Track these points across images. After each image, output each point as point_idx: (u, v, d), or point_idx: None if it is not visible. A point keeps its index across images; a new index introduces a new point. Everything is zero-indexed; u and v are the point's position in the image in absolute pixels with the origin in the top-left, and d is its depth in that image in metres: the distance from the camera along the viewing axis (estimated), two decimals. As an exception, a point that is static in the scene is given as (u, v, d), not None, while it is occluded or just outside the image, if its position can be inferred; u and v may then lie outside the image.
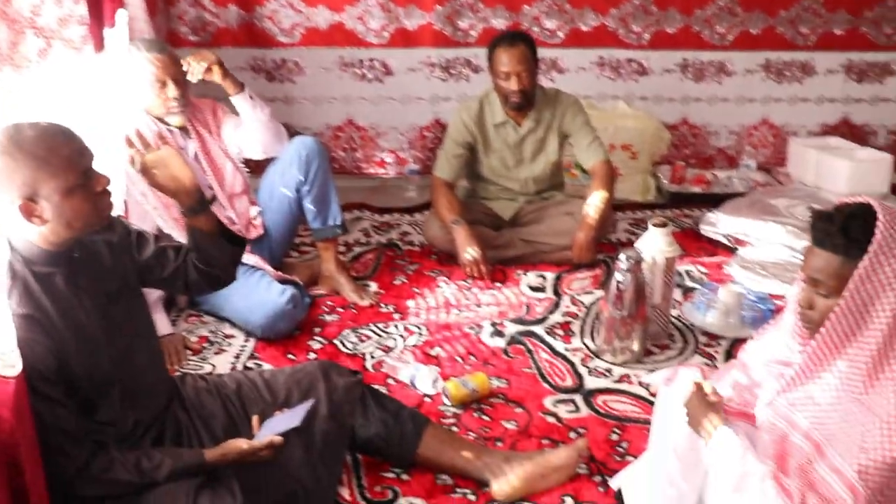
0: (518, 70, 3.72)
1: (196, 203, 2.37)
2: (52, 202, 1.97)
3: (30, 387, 1.99)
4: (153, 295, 3.29)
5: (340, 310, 3.58)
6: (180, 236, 3.31)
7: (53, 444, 2.05)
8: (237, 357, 3.22)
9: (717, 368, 2.59)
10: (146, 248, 2.40)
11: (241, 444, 2.22)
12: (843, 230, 1.93)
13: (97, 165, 2.10)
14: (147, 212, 3.26)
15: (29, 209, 1.96)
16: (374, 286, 3.76)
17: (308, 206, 3.56)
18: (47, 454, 2.05)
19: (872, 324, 1.91)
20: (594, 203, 3.84)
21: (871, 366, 1.93)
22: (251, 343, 3.31)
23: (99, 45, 2.77)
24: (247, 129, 3.51)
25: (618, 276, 3.09)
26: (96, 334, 2.16)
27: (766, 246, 3.95)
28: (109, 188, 2.10)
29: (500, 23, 4.68)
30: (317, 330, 3.41)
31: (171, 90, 3.25)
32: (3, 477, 1.90)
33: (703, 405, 2.16)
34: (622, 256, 3.09)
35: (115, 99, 2.98)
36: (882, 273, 1.88)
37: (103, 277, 2.26)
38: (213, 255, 2.43)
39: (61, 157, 1.97)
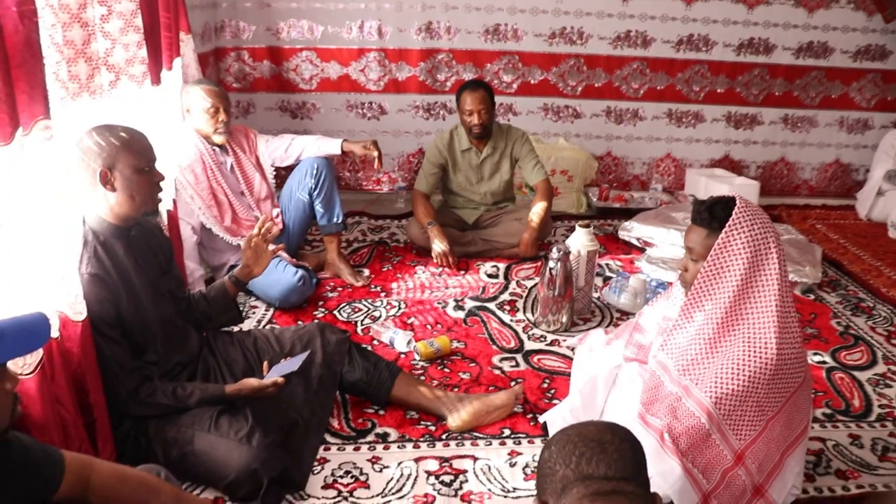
0: (479, 108, 3.74)
1: (244, 281, 2.54)
2: (124, 175, 2.04)
3: (94, 329, 2.02)
4: (197, 273, 3.30)
5: (340, 289, 3.58)
6: (219, 230, 3.33)
7: (110, 373, 2.08)
8: (259, 322, 3.22)
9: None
10: (174, 260, 2.47)
11: (253, 382, 2.23)
12: (709, 209, 1.98)
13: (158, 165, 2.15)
14: (193, 210, 3.27)
15: (106, 176, 2.02)
16: (367, 272, 3.76)
17: (318, 207, 3.57)
18: (107, 382, 2.07)
19: (724, 284, 1.95)
20: (536, 211, 3.86)
21: (724, 319, 1.96)
22: (270, 312, 3.31)
23: (156, 80, 2.77)
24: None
25: (551, 263, 3.11)
26: (144, 294, 2.18)
27: (667, 247, 3.98)
28: (162, 184, 2.15)
29: (469, 76, 4.69)
30: (321, 303, 3.42)
31: (222, 115, 3.28)
32: (73, 396, 1.92)
33: None
34: (554, 249, 3.11)
35: (167, 121, 2.99)
36: (734, 244, 1.92)
37: (154, 254, 2.28)
38: (222, 309, 2.53)
39: (140, 144, 2.09)
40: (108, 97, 2.43)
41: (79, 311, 1.94)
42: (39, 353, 1.75)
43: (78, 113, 2.23)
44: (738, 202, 1.94)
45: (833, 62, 4.93)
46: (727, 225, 1.93)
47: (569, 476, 1.14)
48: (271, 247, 2.58)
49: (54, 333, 1.84)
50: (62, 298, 1.90)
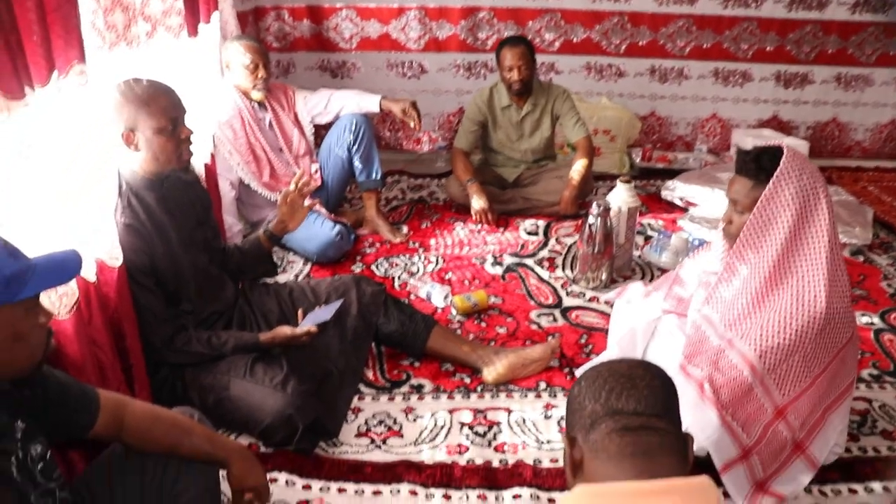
0: (519, 64, 3.67)
1: (279, 236, 2.52)
2: (145, 136, 2.01)
3: (130, 277, 2.03)
4: (236, 227, 3.31)
5: (378, 245, 3.56)
6: (257, 186, 3.34)
7: (147, 321, 2.09)
8: (297, 276, 3.22)
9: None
10: (211, 211, 2.45)
11: (286, 330, 2.24)
12: (755, 159, 1.90)
13: (188, 120, 2.13)
14: (232, 166, 3.27)
15: (129, 138, 2.00)
16: (405, 228, 3.73)
17: (356, 163, 3.55)
18: (143, 330, 2.08)
19: (771, 237, 1.88)
20: (577, 169, 3.78)
21: (771, 272, 1.89)
22: (308, 267, 3.32)
23: (193, 32, 2.75)
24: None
25: (590, 219, 3.04)
26: (179, 245, 2.18)
27: (710, 206, 3.87)
28: (192, 139, 2.13)
29: (510, 34, 4.59)
30: (358, 258, 3.41)
31: (261, 72, 3.27)
32: (111, 339, 1.94)
33: None
34: (594, 205, 3.04)
35: (205, 74, 2.97)
36: (782, 195, 1.85)
37: (189, 207, 2.28)
38: (256, 261, 2.54)
39: (159, 104, 2.02)
40: (146, 47, 2.41)
41: (115, 257, 1.95)
42: (75, 294, 1.76)
43: (115, 62, 2.22)
44: (785, 151, 1.86)
45: (892, 17, 4.70)
46: (775, 175, 1.85)
47: (598, 411, 1.11)
48: (307, 202, 2.56)
49: (91, 278, 1.85)
50: (99, 244, 1.90)
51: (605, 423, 1.10)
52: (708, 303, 2.02)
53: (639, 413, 1.09)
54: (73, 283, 1.75)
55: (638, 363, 1.16)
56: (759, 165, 1.90)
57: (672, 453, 1.08)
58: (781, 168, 1.83)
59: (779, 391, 1.88)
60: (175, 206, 2.20)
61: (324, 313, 2.30)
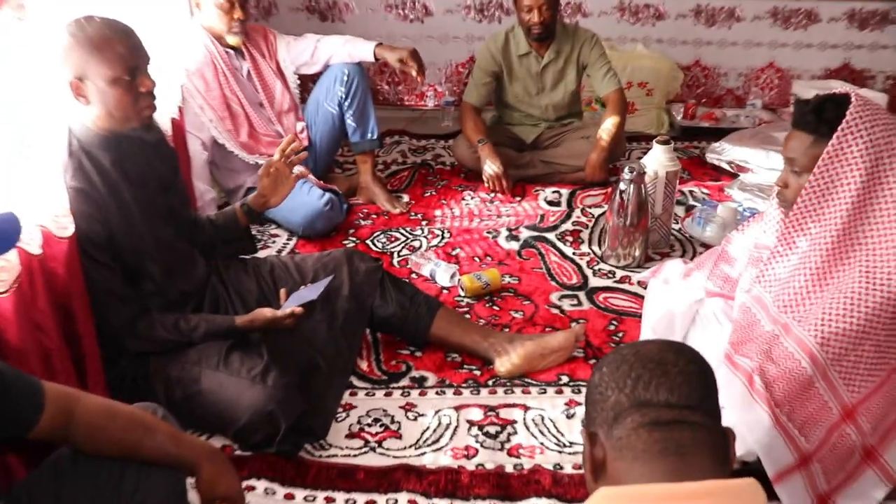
0: (539, 4, 3.62)
1: (259, 212, 2.52)
2: (97, 86, 1.99)
3: (82, 251, 2.02)
4: (208, 195, 3.30)
5: (374, 216, 3.56)
6: (233, 146, 3.32)
7: (102, 302, 2.09)
8: (279, 252, 3.22)
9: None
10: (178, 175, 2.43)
11: (267, 312, 2.23)
12: (815, 110, 1.86)
13: (150, 69, 2.09)
14: (203, 123, 3.25)
15: (77, 88, 1.98)
16: (406, 197, 3.72)
17: (349, 121, 3.53)
18: (98, 312, 2.08)
19: (835, 202, 1.84)
20: (607, 127, 3.75)
21: (834, 245, 1.86)
22: (293, 241, 3.32)
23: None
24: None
25: (622, 185, 3.01)
26: (139, 215, 2.16)
27: (765, 172, 3.83)
28: (154, 92, 2.09)
29: (530, -32, 4.55)
30: (351, 231, 3.40)
31: (237, 12, 3.24)
32: (57, 322, 1.93)
33: None
34: (626, 169, 3.01)
35: (171, 14, 2.95)
36: (848, 152, 1.81)
37: (151, 172, 2.25)
38: (230, 238, 2.52)
39: (114, 50, 1.98)
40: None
41: (63, 227, 1.93)
42: (16, 268, 1.74)
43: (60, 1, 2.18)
44: (853, 100, 1.82)
45: None
46: (839, 129, 1.81)
47: (622, 402, 1.09)
48: (296, 170, 2.54)
49: (35, 250, 1.84)
50: (44, 210, 1.89)
51: (632, 417, 1.08)
52: (759, 282, 1.99)
53: (671, 405, 1.07)
54: (12, 256, 1.74)
55: (669, 345, 1.14)
56: (821, 117, 1.85)
57: (708, 451, 1.06)
58: (848, 119, 1.79)
59: (846, 387, 1.85)
60: (135, 170, 2.17)
61: (310, 292, 2.29)
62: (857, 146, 1.79)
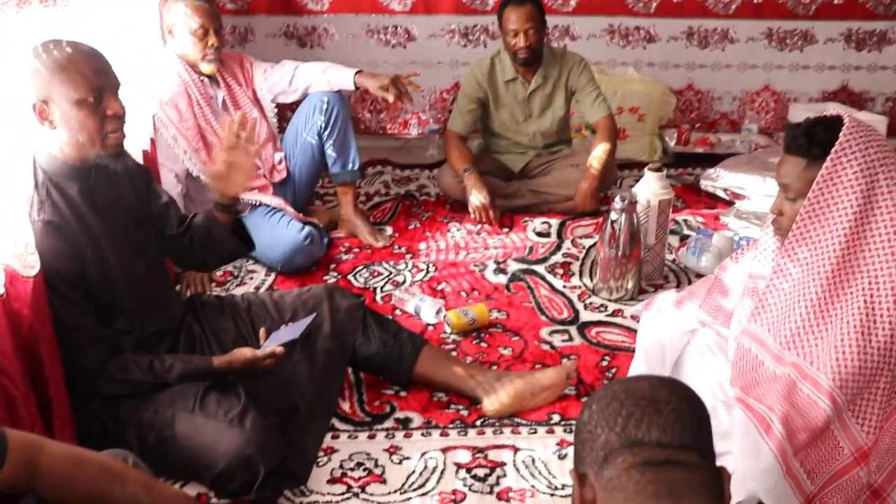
0: (525, 27, 3.67)
1: (231, 204, 2.42)
2: (61, 109, 1.99)
3: (51, 288, 2.03)
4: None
5: (356, 250, 3.57)
6: (209, 178, 3.32)
7: (72, 343, 2.09)
8: (257, 289, 3.22)
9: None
10: (157, 202, 2.42)
11: (246, 352, 2.24)
12: (807, 133, 1.88)
13: (120, 95, 2.11)
14: (177, 154, 3.27)
15: (42, 111, 1.99)
16: (389, 230, 3.74)
17: (329, 151, 3.55)
18: (67, 354, 2.07)
19: (831, 227, 1.86)
20: (597, 155, 3.79)
21: (834, 272, 1.87)
22: (271, 277, 3.32)
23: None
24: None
25: (613, 215, 3.04)
26: (110, 249, 2.17)
27: (762, 199, 3.86)
28: (123, 117, 2.10)
29: (515, -9, 4.61)
30: (332, 266, 3.42)
31: (212, 39, 3.26)
32: (23, 366, 1.93)
33: None
34: (617, 198, 3.04)
35: (142, 42, 2.97)
36: (843, 174, 1.83)
37: (122, 204, 2.27)
38: (216, 244, 2.44)
39: (78, 70, 2.00)
40: (64, 6, 2.40)
41: (29, 265, 1.94)
42: (-22, 309, 1.75)
43: (26, 24, 2.20)
44: (846, 121, 1.85)
45: None
46: (832, 151, 1.83)
47: (613, 442, 1.10)
48: (252, 149, 2.41)
49: (-3, 288, 1.84)
50: (8, 248, 1.90)
51: (623, 457, 1.08)
52: (756, 319, 2.00)
53: (663, 445, 1.08)
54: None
55: (661, 382, 1.15)
56: (813, 140, 1.88)
57: (703, 492, 1.07)
58: (841, 141, 1.82)
59: (861, 428, 1.85)
60: (104, 201, 2.18)
61: (290, 332, 2.29)
62: (851, 168, 1.82)
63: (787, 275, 1.95)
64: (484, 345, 2.87)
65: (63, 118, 1.99)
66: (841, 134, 1.82)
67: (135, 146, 2.85)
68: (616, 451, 1.10)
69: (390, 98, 3.47)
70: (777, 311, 1.96)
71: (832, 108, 4.54)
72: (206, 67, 3.32)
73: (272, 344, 2.26)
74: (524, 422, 2.47)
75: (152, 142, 3.04)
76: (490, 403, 2.48)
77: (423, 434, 2.42)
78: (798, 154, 1.91)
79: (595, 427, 1.13)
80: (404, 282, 3.31)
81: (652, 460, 1.07)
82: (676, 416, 1.10)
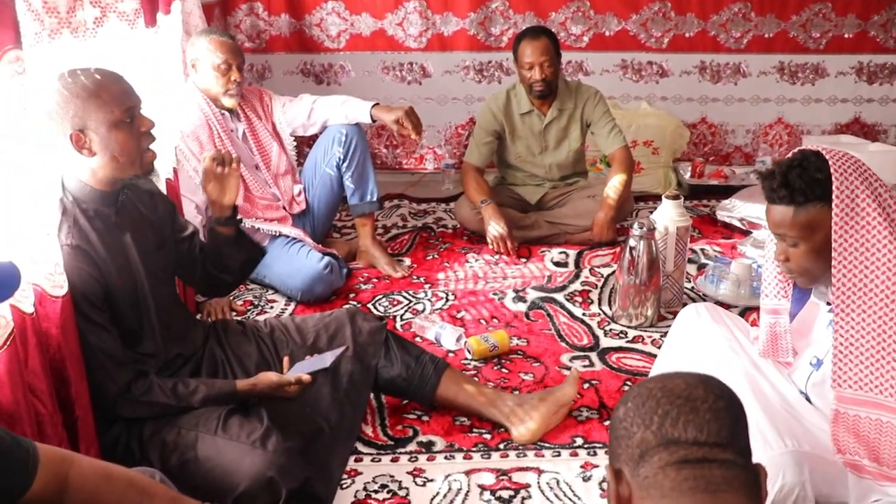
0: (541, 61, 3.71)
1: (227, 217, 2.46)
2: (99, 134, 2.01)
3: (78, 311, 2.03)
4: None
5: (375, 280, 3.57)
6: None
7: (98, 366, 2.08)
8: (277, 318, 3.22)
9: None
10: (183, 231, 2.46)
11: (272, 376, 2.23)
12: (783, 183, 1.85)
13: (146, 112, 2.14)
14: (198, 186, 3.28)
15: (79, 140, 2.01)
16: (407, 261, 3.75)
17: (347, 183, 3.57)
18: (92, 376, 2.07)
19: (874, 271, 1.79)
20: (614, 185, 3.80)
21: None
22: (291, 306, 3.33)
23: (150, 21, 2.79)
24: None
25: (631, 242, 3.05)
26: (137, 272, 2.18)
27: (778, 228, 3.87)
28: (153, 133, 2.14)
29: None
30: (351, 295, 3.42)
31: (234, 74, 3.30)
32: (50, 386, 1.93)
33: None
34: (636, 225, 3.04)
35: (166, 75, 3.01)
36: (859, 211, 1.80)
37: (148, 226, 2.29)
38: (229, 256, 2.49)
39: (110, 91, 2.03)
40: (93, 36, 2.44)
41: (58, 285, 1.94)
42: (9, 325, 1.75)
43: (58, 54, 2.23)
44: (826, 157, 1.80)
45: None
46: (834, 196, 1.79)
47: (649, 440, 1.09)
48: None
49: (28, 308, 1.85)
50: (38, 268, 1.90)
51: (659, 455, 1.08)
52: (839, 383, 1.89)
53: (700, 443, 1.08)
54: (6, 311, 1.75)
55: (697, 380, 1.14)
56: (793, 188, 1.85)
57: (741, 489, 1.06)
58: (836, 180, 1.77)
59: None
60: (131, 226, 2.20)
61: (318, 362, 2.28)
62: (861, 200, 1.80)
63: (855, 335, 1.85)
64: (505, 370, 2.86)
65: (102, 143, 2.02)
66: (832, 171, 1.80)
67: (158, 166, 2.87)
68: (652, 450, 1.10)
69: (405, 132, 3.48)
70: (858, 368, 1.87)
71: (845, 141, 4.64)
72: (228, 101, 3.36)
73: (297, 372, 2.25)
74: (548, 444, 2.45)
75: (175, 172, 3.06)
76: (521, 434, 2.47)
77: (446, 457, 2.41)
78: (783, 204, 1.88)
79: (631, 425, 1.13)
80: (424, 310, 3.31)
81: (689, 458, 1.08)
82: (713, 414, 1.10)
